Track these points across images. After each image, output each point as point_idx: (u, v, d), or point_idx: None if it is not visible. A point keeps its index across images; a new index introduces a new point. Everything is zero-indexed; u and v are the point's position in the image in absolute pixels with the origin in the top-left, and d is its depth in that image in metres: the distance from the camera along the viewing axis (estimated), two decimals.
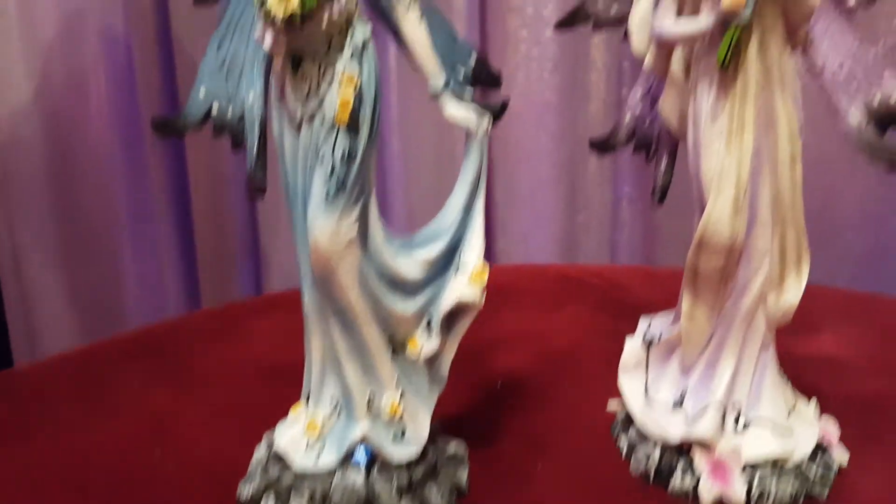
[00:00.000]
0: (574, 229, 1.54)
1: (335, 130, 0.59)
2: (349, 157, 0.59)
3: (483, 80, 0.72)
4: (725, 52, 0.60)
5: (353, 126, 0.59)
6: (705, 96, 0.63)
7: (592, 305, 1.04)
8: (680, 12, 0.65)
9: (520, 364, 0.91)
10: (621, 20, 0.79)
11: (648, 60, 0.70)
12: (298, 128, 0.61)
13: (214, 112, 0.69)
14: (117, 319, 1.46)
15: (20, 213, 1.38)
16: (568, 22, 0.83)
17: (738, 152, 0.62)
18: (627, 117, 0.80)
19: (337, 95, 0.59)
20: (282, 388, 0.75)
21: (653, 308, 0.82)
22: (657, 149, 0.77)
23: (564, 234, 1.57)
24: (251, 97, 0.65)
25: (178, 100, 1.40)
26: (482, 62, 0.72)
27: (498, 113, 0.68)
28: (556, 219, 1.56)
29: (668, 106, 0.70)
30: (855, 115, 0.66)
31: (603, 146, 0.82)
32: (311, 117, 0.60)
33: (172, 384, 0.89)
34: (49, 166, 1.39)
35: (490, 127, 0.65)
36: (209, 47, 0.69)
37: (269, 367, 0.92)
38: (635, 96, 0.77)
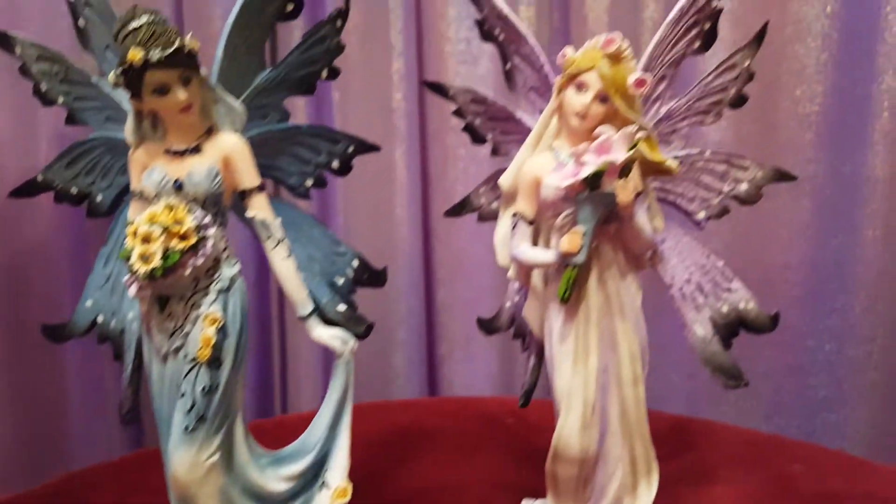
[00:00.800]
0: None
1: (197, 366, 0.62)
2: (210, 391, 0.62)
3: (366, 283, 0.76)
4: (564, 289, 0.63)
5: (215, 361, 0.62)
6: (555, 318, 0.67)
7: (503, 453, 1.05)
8: (535, 238, 0.69)
9: None
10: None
11: (510, 272, 0.73)
12: (164, 359, 0.64)
13: (99, 322, 0.72)
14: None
15: None
16: (455, 211, 0.87)
17: (584, 373, 0.66)
18: (507, 304, 0.84)
19: (200, 334, 0.62)
20: None
21: None
22: (528, 344, 0.80)
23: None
24: (131, 316, 0.68)
25: None
26: (364, 265, 0.76)
27: (363, 335, 0.71)
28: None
29: (530, 313, 0.73)
30: (701, 328, 0.70)
31: (488, 328, 0.86)
32: (177, 350, 0.63)
33: None
34: None
35: (355, 347, 0.68)
36: (97, 262, 0.72)
37: None
38: (513, 287, 0.81)
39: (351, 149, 0.78)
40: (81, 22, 0.71)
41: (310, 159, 0.76)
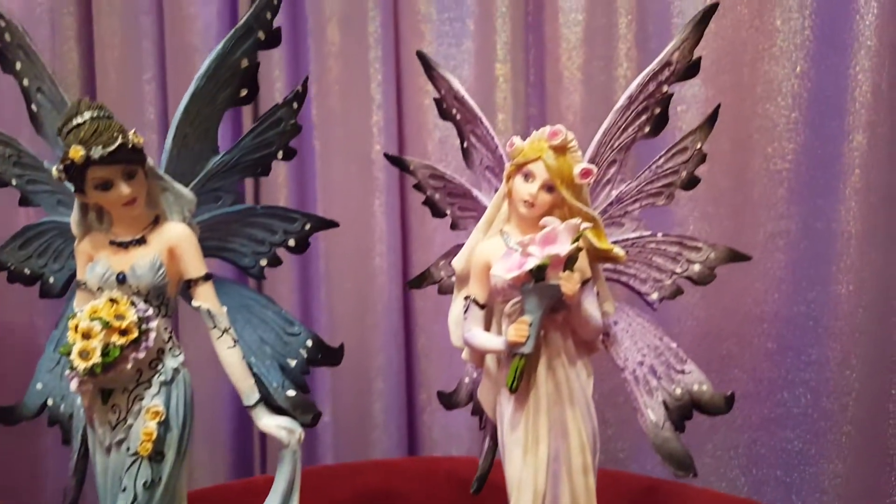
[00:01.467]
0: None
1: (138, 461, 0.61)
2: (152, 485, 0.61)
3: (321, 362, 0.75)
4: (512, 378, 0.62)
5: (157, 456, 0.61)
6: (505, 405, 0.66)
7: None
8: (489, 320, 0.68)
9: None
10: None
11: (465, 354, 0.72)
12: (108, 451, 0.63)
13: (49, 405, 0.71)
14: None
15: None
16: (416, 284, 0.87)
17: (535, 463, 0.64)
18: (466, 381, 0.83)
19: (141, 427, 0.61)
20: None
21: None
22: (485, 423, 0.79)
23: None
24: (79, 402, 0.67)
25: None
26: (319, 345, 0.75)
27: (311, 424, 0.70)
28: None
29: (484, 395, 0.72)
30: (653, 413, 0.68)
31: (447, 403, 0.84)
32: (119, 443, 0.62)
33: None
34: None
35: (302, 437, 0.67)
36: (47, 345, 0.71)
37: None
38: (463, 356, 0.80)
39: (308, 226, 0.77)
40: (34, 107, 0.72)
41: (264, 239, 0.75)
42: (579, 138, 1.34)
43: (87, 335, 0.58)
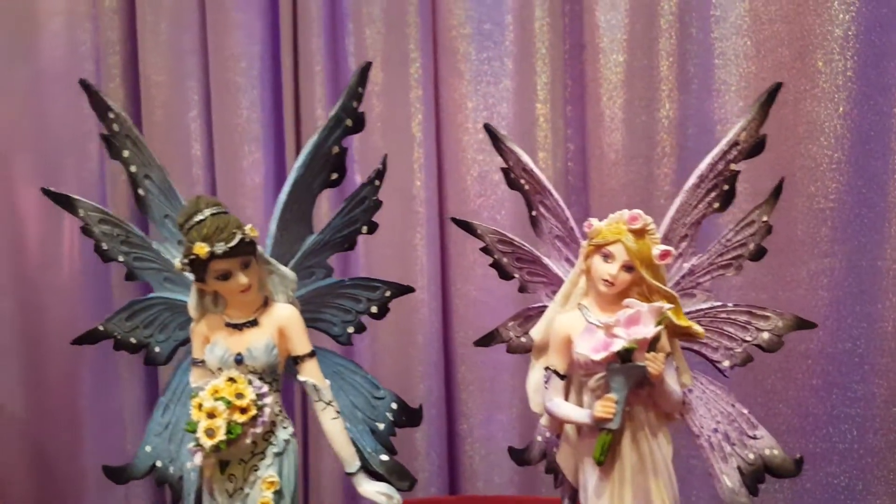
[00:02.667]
0: (534, 420, 1.60)
1: None
2: None
3: (405, 424, 0.81)
4: (600, 452, 0.69)
5: None
6: (590, 474, 0.72)
7: None
8: (567, 387, 0.74)
9: None
10: (528, 349, 0.89)
11: (543, 420, 0.79)
12: None
13: (158, 466, 0.78)
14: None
15: None
16: (484, 342, 0.93)
17: None
18: (538, 439, 0.89)
19: (259, 497, 0.68)
20: None
21: None
22: (561, 482, 0.85)
23: (523, 419, 1.63)
24: (189, 466, 0.74)
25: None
26: (402, 407, 0.81)
27: (408, 489, 0.77)
28: (515, 404, 1.62)
29: (563, 460, 0.79)
30: (729, 480, 0.74)
31: (519, 459, 0.91)
32: None
33: None
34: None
35: (401, 502, 0.73)
36: (155, 410, 0.78)
37: None
38: (541, 420, 0.86)
39: (388, 294, 0.84)
40: (141, 192, 0.79)
41: (351, 308, 0.83)
42: (622, 176, 1.41)
43: (211, 414, 0.66)
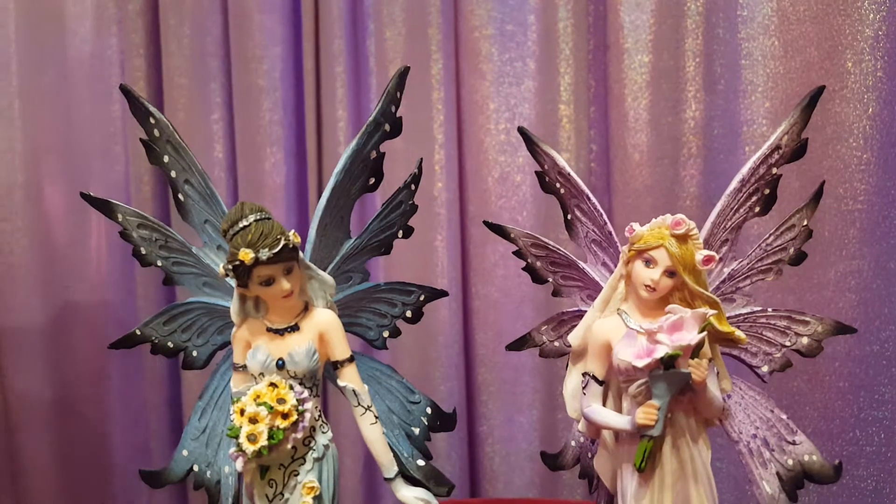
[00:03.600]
0: (554, 423, 1.60)
1: None
2: None
3: (440, 428, 0.81)
4: (641, 459, 0.68)
5: None
6: (629, 479, 0.72)
7: None
8: (606, 397, 0.74)
9: None
10: (562, 353, 0.89)
11: (581, 426, 0.78)
12: None
13: (195, 470, 0.78)
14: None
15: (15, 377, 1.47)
16: (517, 346, 0.93)
17: None
18: (573, 444, 0.88)
19: (298, 502, 0.68)
20: None
21: None
22: (597, 486, 0.85)
23: (543, 421, 1.63)
24: (227, 470, 0.74)
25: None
26: (436, 412, 0.81)
27: (446, 494, 0.77)
28: (535, 406, 1.62)
29: (600, 465, 0.78)
30: (769, 486, 0.74)
31: (552, 464, 0.90)
32: None
33: None
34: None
35: None
36: (192, 414, 0.79)
37: None
38: (577, 426, 0.85)
39: (422, 297, 0.84)
40: (181, 197, 0.79)
41: (386, 312, 0.83)
42: (646, 178, 1.40)
43: (253, 420, 0.66)
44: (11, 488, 1.50)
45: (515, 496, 1.51)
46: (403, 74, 0.81)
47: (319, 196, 1.56)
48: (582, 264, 0.85)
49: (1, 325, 1.46)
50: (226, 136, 1.52)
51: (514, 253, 0.91)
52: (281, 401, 0.68)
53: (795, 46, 1.32)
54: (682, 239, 0.71)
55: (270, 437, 0.66)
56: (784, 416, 0.80)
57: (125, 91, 0.78)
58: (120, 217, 0.80)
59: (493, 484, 1.56)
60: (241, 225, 0.69)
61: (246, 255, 0.67)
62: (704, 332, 0.67)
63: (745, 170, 0.79)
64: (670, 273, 0.72)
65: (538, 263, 0.88)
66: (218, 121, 1.52)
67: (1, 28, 1.45)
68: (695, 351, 0.68)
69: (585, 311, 0.82)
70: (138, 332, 0.82)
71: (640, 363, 0.67)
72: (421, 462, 0.79)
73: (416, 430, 0.81)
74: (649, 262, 0.72)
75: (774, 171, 0.79)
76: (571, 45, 1.41)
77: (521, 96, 1.48)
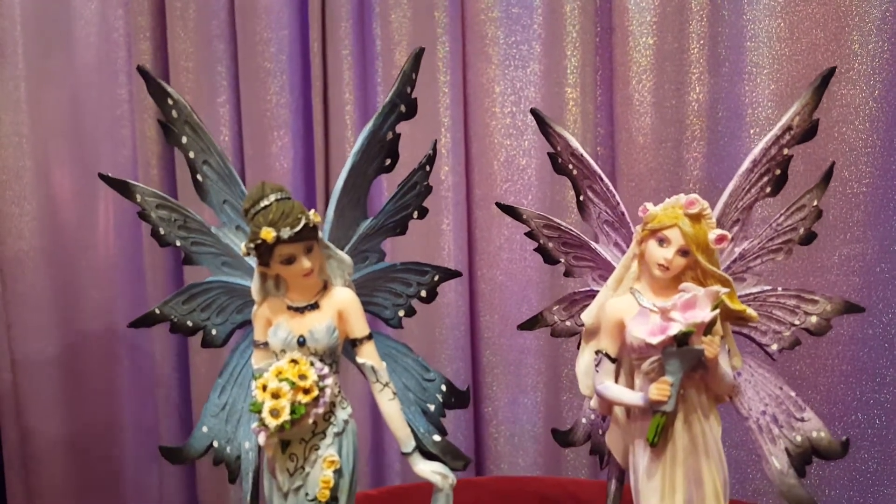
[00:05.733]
0: (558, 404, 1.62)
1: None
2: None
3: (454, 405, 0.83)
4: (653, 434, 0.70)
5: (332, 501, 0.70)
6: (641, 454, 0.74)
7: None
8: (617, 374, 0.75)
9: None
10: (573, 332, 0.90)
11: (593, 402, 0.80)
12: (285, 496, 0.72)
13: (215, 446, 0.80)
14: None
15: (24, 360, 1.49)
16: (528, 325, 0.94)
17: None
18: (583, 421, 0.90)
19: (319, 475, 0.69)
20: None
21: None
22: (608, 462, 0.86)
23: (547, 402, 1.65)
24: (247, 446, 0.76)
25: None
26: (451, 389, 0.83)
27: (462, 468, 0.78)
28: (539, 387, 1.64)
29: (612, 441, 0.80)
30: (778, 461, 0.76)
31: (563, 441, 0.92)
32: (297, 489, 0.71)
33: None
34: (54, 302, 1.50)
35: (455, 483, 0.75)
36: (212, 391, 0.80)
37: None
38: (588, 403, 0.87)
39: (437, 278, 0.85)
40: (199, 177, 0.80)
41: (402, 292, 0.84)
42: (650, 161, 1.41)
43: (276, 395, 0.67)
44: (22, 470, 1.52)
45: (519, 476, 1.54)
46: (418, 55, 0.82)
47: (327, 179, 1.59)
48: (594, 245, 0.86)
49: (9, 308, 1.47)
50: (232, 120, 1.52)
51: (526, 234, 0.92)
52: (302, 377, 0.69)
53: (801, 28, 1.32)
54: (696, 218, 0.73)
55: (292, 411, 0.68)
56: (793, 394, 0.82)
57: (142, 72, 0.79)
58: (138, 197, 0.81)
59: (497, 464, 1.58)
60: (262, 204, 0.70)
61: (268, 233, 0.68)
62: (717, 310, 0.68)
63: (756, 150, 0.80)
64: (683, 252, 0.73)
65: (550, 244, 0.89)
66: (224, 104, 1.52)
67: (6, 10, 1.44)
68: (707, 328, 0.69)
69: (597, 291, 0.83)
70: (157, 311, 0.83)
71: (654, 340, 0.68)
72: (437, 438, 0.80)
73: (432, 407, 0.82)
74: (663, 242, 0.74)
75: (786, 151, 0.80)
76: (578, 27, 1.41)
77: (527, 79, 1.48)
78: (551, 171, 1.49)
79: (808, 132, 0.81)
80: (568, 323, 0.90)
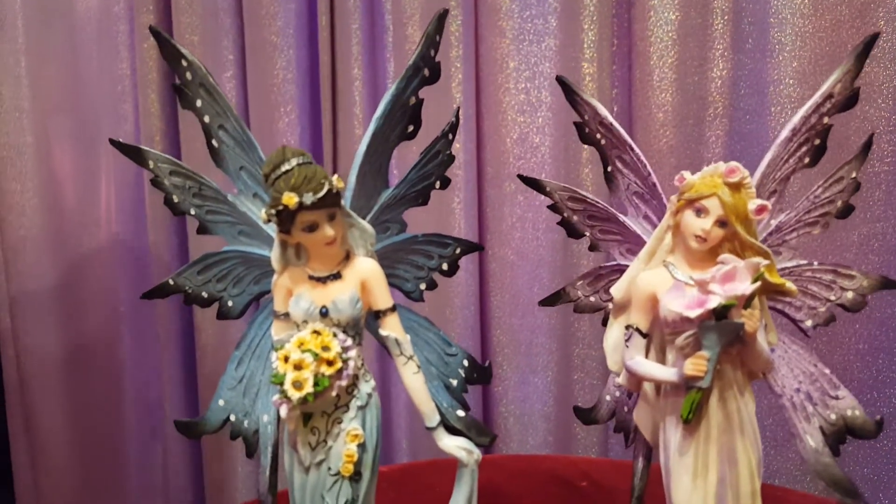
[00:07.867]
0: (569, 383, 1.60)
1: (340, 480, 0.67)
2: (352, 502, 0.67)
3: (476, 381, 0.80)
4: (688, 410, 0.67)
5: (356, 476, 0.67)
6: (673, 431, 0.71)
7: None
8: (647, 350, 0.73)
9: None
10: (597, 308, 0.87)
11: (621, 379, 0.77)
12: (307, 470, 0.69)
13: (232, 420, 0.77)
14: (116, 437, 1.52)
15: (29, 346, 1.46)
16: (550, 301, 0.91)
17: (703, 489, 0.70)
18: (607, 398, 0.87)
19: (342, 449, 0.67)
20: None
21: None
22: (634, 439, 0.84)
23: (557, 381, 1.63)
24: (266, 419, 0.73)
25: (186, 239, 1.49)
26: (473, 365, 0.80)
27: (489, 444, 0.76)
28: (550, 367, 1.62)
29: (640, 417, 0.77)
30: (812, 440, 0.73)
31: (586, 419, 0.89)
32: (319, 463, 0.68)
33: None
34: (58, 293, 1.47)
35: (480, 459, 0.72)
36: (229, 364, 0.77)
37: None
38: (613, 380, 0.84)
39: (458, 251, 0.82)
40: (214, 143, 0.76)
41: (423, 265, 0.81)
42: (670, 138, 1.37)
43: (298, 367, 0.64)
44: (27, 446, 1.49)
45: (532, 454, 1.52)
46: (442, 17, 0.78)
47: (335, 156, 1.55)
48: (622, 217, 0.83)
49: (12, 285, 1.44)
50: (239, 95, 1.48)
51: (549, 207, 0.89)
52: (325, 348, 0.66)
53: (825, 4, 1.29)
54: (736, 187, 0.69)
55: (316, 383, 0.65)
56: (827, 371, 0.79)
57: (155, 33, 0.75)
58: (151, 164, 0.77)
59: (507, 443, 1.57)
60: (283, 169, 0.67)
61: (290, 199, 0.65)
62: (759, 283, 0.65)
63: (796, 119, 0.76)
64: (721, 223, 0.70)
65: (575, 217, 0.86)
66: (231, 79, 1.47)
67: None
68: (747, 301, 0.66)
69: (624, 266, 0.80)
70: (171, 282, 0.79)
71: (692, 314, 0.66)
72: (461, 413, 0.78)
73: (454, 382, 0.79)
74: (700, 212, 0.70)
75: (826, 120, 0.77)
76: (596, 1, 1.37)
77: (542, 54, 1.44)
78: (565, 149, 1.47)
79: (850, 100, 0.78)
80: (592, 298, 0.87)
